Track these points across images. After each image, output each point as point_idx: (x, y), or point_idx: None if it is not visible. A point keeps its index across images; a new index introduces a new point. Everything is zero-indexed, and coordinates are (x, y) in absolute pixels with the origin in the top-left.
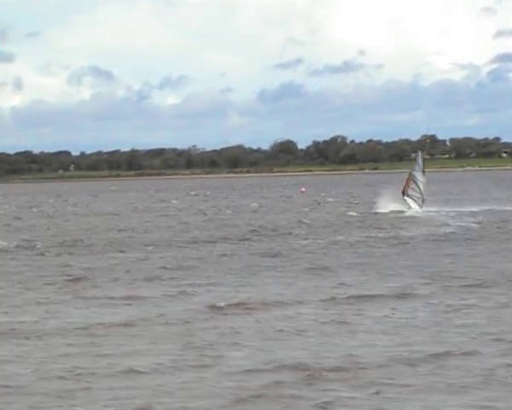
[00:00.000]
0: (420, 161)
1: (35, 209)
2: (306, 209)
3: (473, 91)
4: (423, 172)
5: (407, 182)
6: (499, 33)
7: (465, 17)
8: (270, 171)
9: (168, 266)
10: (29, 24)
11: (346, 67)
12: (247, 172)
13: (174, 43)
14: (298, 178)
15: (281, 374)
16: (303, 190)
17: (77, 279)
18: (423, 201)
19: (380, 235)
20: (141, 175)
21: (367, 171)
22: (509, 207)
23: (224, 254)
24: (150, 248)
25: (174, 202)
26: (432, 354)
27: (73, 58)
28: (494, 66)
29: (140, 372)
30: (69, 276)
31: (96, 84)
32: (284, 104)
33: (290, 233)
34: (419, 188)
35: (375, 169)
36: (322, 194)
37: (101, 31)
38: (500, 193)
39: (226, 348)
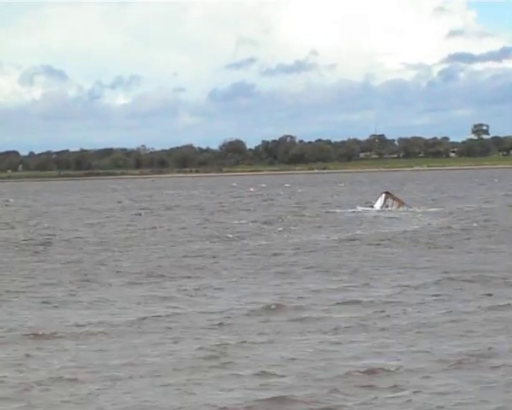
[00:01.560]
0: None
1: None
2: (294, 207)
3: (423, 91)
4: None
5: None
6: (452, 33)
7: (417, 17)
8: (220, 171)
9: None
10: None
11: (299, 67)
12: (197, 171)
13: (127, 43)
14: (256, 178)
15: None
16: (252, 189)
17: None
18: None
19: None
20: (90, 175)
21: (316, 171)
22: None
23: (232, 254)
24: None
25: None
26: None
27: (26, 58)
28: (445, 66)
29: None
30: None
31: (48, 84)
32: (235, 104)
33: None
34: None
35: (324, 169)
36: (286, 193)
37: (53, 31)
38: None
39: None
